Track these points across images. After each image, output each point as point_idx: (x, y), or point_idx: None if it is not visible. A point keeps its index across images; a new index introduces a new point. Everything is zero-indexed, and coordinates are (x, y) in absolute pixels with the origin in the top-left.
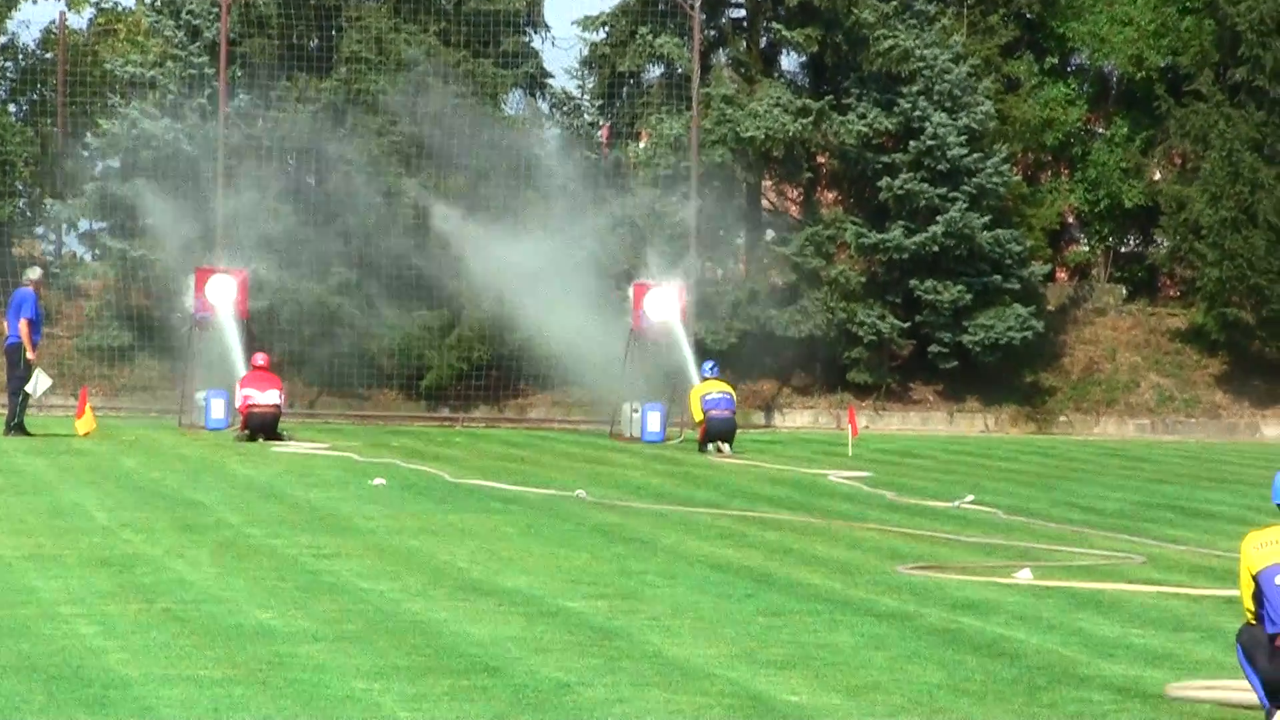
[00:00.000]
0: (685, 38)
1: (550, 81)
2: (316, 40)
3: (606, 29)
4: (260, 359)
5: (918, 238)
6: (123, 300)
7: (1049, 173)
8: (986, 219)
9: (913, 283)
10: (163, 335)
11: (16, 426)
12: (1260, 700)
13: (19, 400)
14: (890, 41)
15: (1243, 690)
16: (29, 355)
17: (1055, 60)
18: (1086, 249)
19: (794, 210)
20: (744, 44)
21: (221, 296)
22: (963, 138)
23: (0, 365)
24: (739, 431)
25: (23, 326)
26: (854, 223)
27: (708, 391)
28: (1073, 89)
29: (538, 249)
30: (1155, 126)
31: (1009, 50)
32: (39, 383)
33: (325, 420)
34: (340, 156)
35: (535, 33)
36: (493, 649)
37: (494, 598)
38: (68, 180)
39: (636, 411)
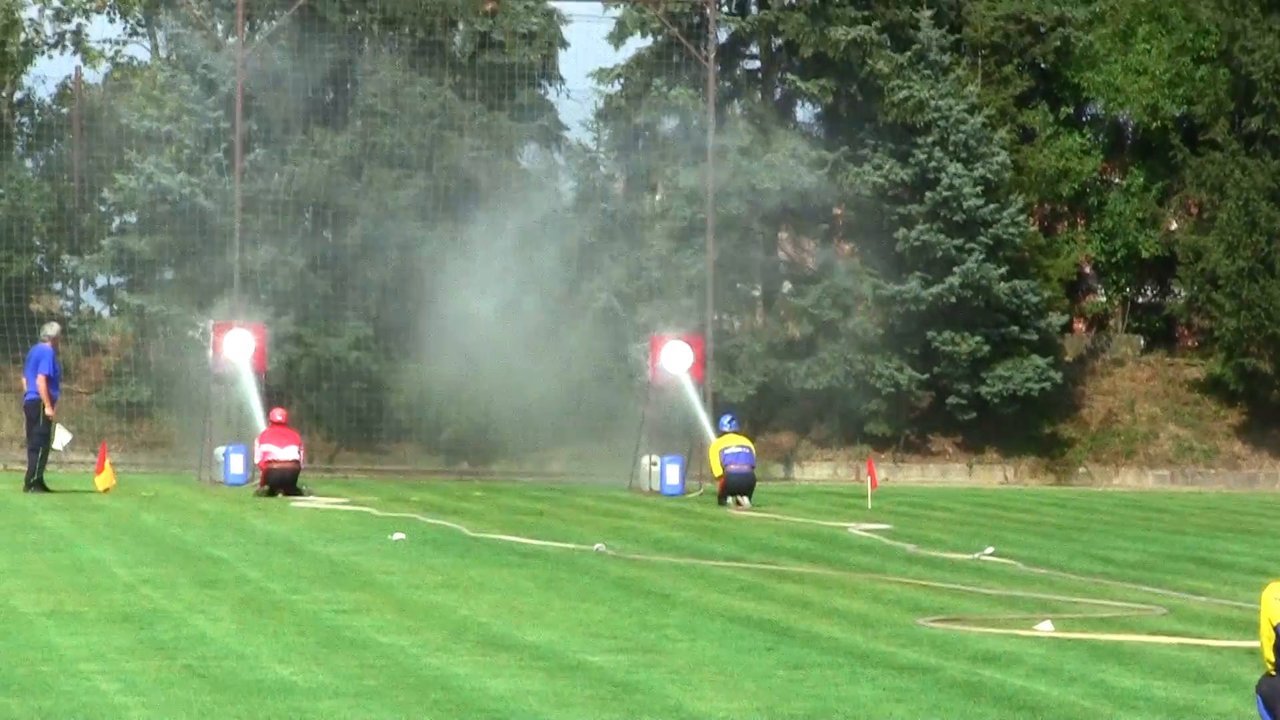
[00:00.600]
0: (700, 89)
1: (566, 134)
2: (332, 94)
3: (621, 81)
4: (278, 414)
5: (935, 289)
6: (141, 355)
7: (1065, 223)
8: (1003, 270)
9: (930, 334)
10: (181, 390)
11: (36, 483)
12: None
13: (38, 457)
14: (905, 92)
15: None
16: (47, 411)
17: (1070, 110)
18: (1104, 299)
19: (810, 262)
20: (759, 95)
21: (240, 351)
22: (979, 188)
23: (20, 422)
24: (758, 484)
25: (41, 383)
26: (871, 274)
27: (726, 446)
28: (1088, 139)
29: (554, 302)
30: (1171, 176)
31: (1024, 100)
32: (59, 438)
33: (344, 475)
34: (356, 210)
35: (550, 85)
36: (513, 703)
37: (514, 652)
38: (84, 236)
39: (655, 465)
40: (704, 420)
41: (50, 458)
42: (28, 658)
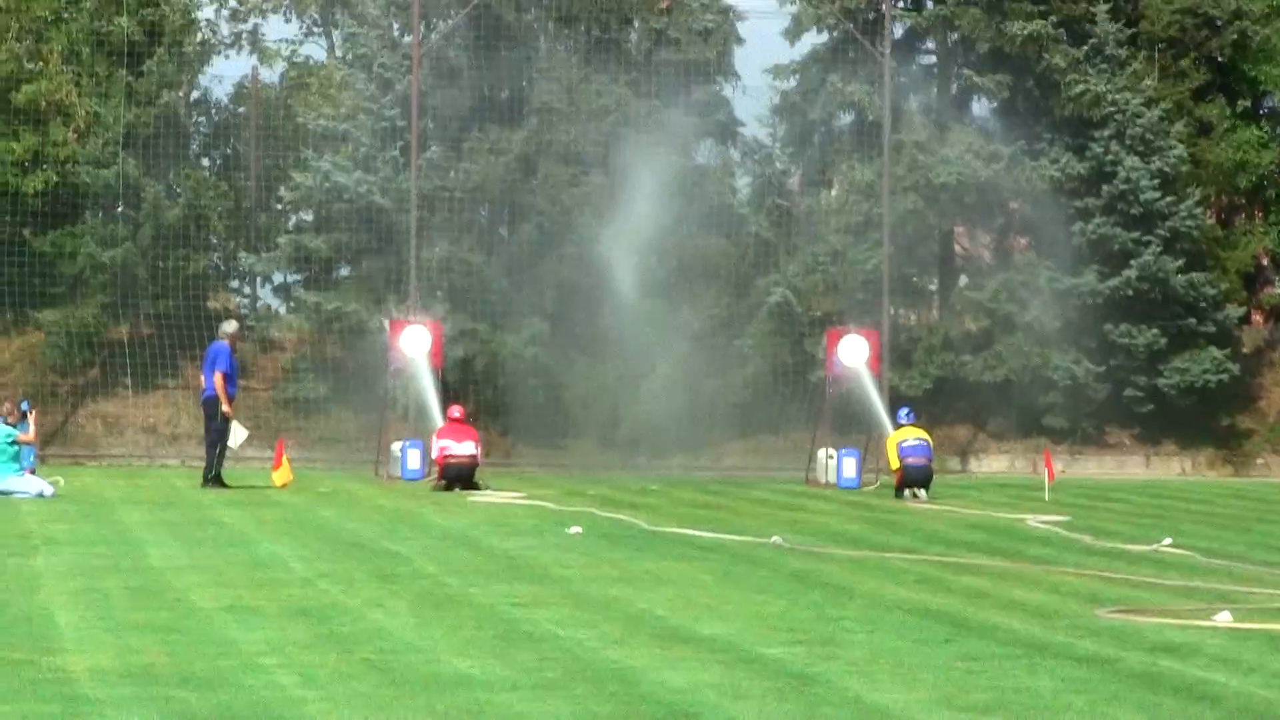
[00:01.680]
0: (876, 84)
1: (741, 130)
2: (507, 91)
3: (797, 77)
4: (456, 411)
5: (1111, 282)
6: (317, 352)
7: (1242, 215)
8: (1180, 262)
9: (1107, 327)
10: (358, 386)
11: (214, 479)
12: None
13: (216, 453)
14: (1081, 86)
15: None
16: (225, 408)
17: (1247, 103)
18: None
19: (987, 255)
20: (935, 90)
21: (417, 347)
22: (1155, 181)
23: (198, 419)
24: (935, 477)
25: (218, 379)
26: (1047, 267)
27: (904, 438)
28: (1265, 132)
29: (729, 297)
30: None
31: (1200, 94)
32: (236, 435)
33: (520, 470)
34: (532, 206)
35: (725, 81)
36: (691, 696)
37: (691, 645)
38: (261, 234)
39: (832, 458)
40: (882, 413)
41: (227, 455)
42: (206, 652)
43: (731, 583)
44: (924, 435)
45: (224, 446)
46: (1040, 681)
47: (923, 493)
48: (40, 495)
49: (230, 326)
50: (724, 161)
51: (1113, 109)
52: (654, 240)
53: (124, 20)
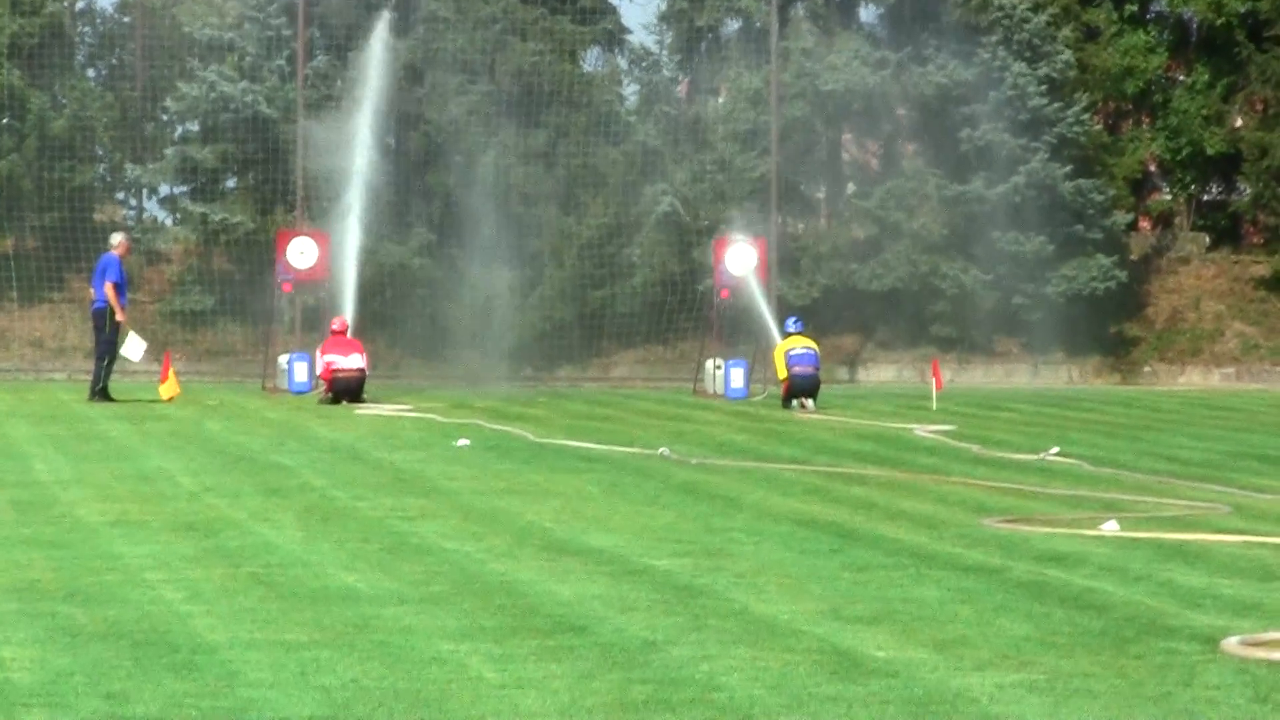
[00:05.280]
0: None
1: (628, 37)
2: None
3: None
4: (338, 323)
5: (999, 189)
6: (204, 265)
7: (1130, 121)
8: (1068, 169)
9: (994, 234)
10: (245, 299)
11: (100, 392)
12: None
13: (103, 365)
14: None
15: None
16: (118, 317)
17: (1135, 8)
18: (1169, 198)
19: (874, 164)
20: None
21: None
22: (1043, 87)
23: (84, 332)
24: (822, 387)
25: (109, 289)
26: (935, 174)
27: (792, 347)
28: (1153, 36)
29: (616, 206)
30: (1236, 73)
31: None
32: (133, 346)
33: (407, 381)
34: (419, 116)
35: None
36: (579, 608)
37: (579, 557)
38: (147, 145)
39: (719, 368)
40: (770, 321)
41: (115, 367)
42: (93, 567)
43: (619, 494)
44: (812, 344)
45: (113, 359)
46: (927, 591)
47: (810, 402)
48: None
49: (118, 238)
50: (611, 69)
51: (1000, 14)
52: (541, 149)
53: None
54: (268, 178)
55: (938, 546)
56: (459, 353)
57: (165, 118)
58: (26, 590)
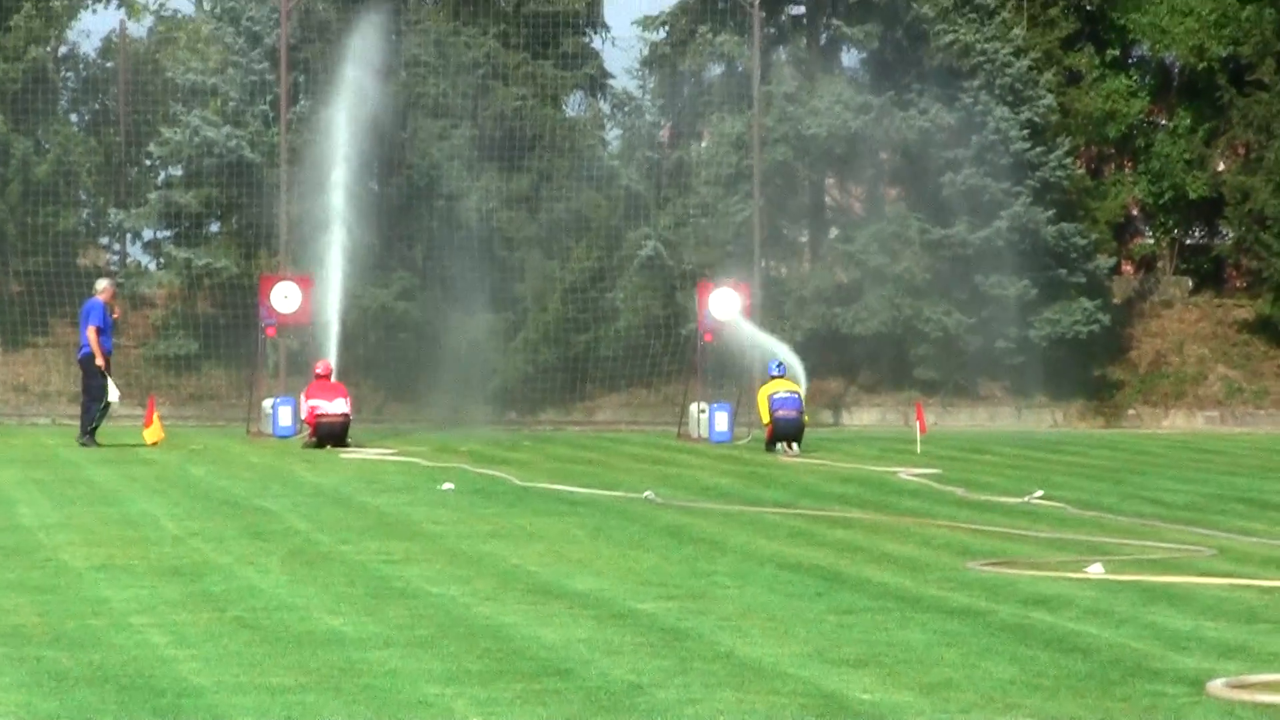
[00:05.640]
0: (745, 35)
1: (611, 82)
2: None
3: (666, 28)
4: (321, 367)
5: (982, 232)
6: (188, 309)
7: (1112, 165)
8: (1050, 213)
9: (978, 278)
10: (229, 343)
11: (90, 434)
12: None
13: (99, 408)
14: (951, 36)
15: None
16: (98, 361)
17: (1117, 52)
18: (1151, 241)
19: (857, 207)
20: (804, 41)
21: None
22: (1025, 131)
23: (68, 376)
24: (807, 430)
25: (91, 334)
26: (918, 219)
27: (775, 391)
28: (1134, 81)
29: (601, 250)
30: (1218, 117)
31: (1070, 43)
32: (109, 394)
33: (392, 425)
34: (402, 160)
35: (595, 33)
36: (564, 652)
37: (564, 600)
38: (131, 189)
39: (704, 412)
40: (773, 346)
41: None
42: (78, 611)
43: (603, 538)
44: (795, 388)
45: (107, 403)
46: (912, 635)
47: (795, 446)
48: None
49: (102, 283)
50: (594, 114)
51: (982, 59)
52: (524, 193)
53: None
54: (251, 222)
55: (923, 589)
56: (443, 396)
57: (149, 162)
58: (12, 635)
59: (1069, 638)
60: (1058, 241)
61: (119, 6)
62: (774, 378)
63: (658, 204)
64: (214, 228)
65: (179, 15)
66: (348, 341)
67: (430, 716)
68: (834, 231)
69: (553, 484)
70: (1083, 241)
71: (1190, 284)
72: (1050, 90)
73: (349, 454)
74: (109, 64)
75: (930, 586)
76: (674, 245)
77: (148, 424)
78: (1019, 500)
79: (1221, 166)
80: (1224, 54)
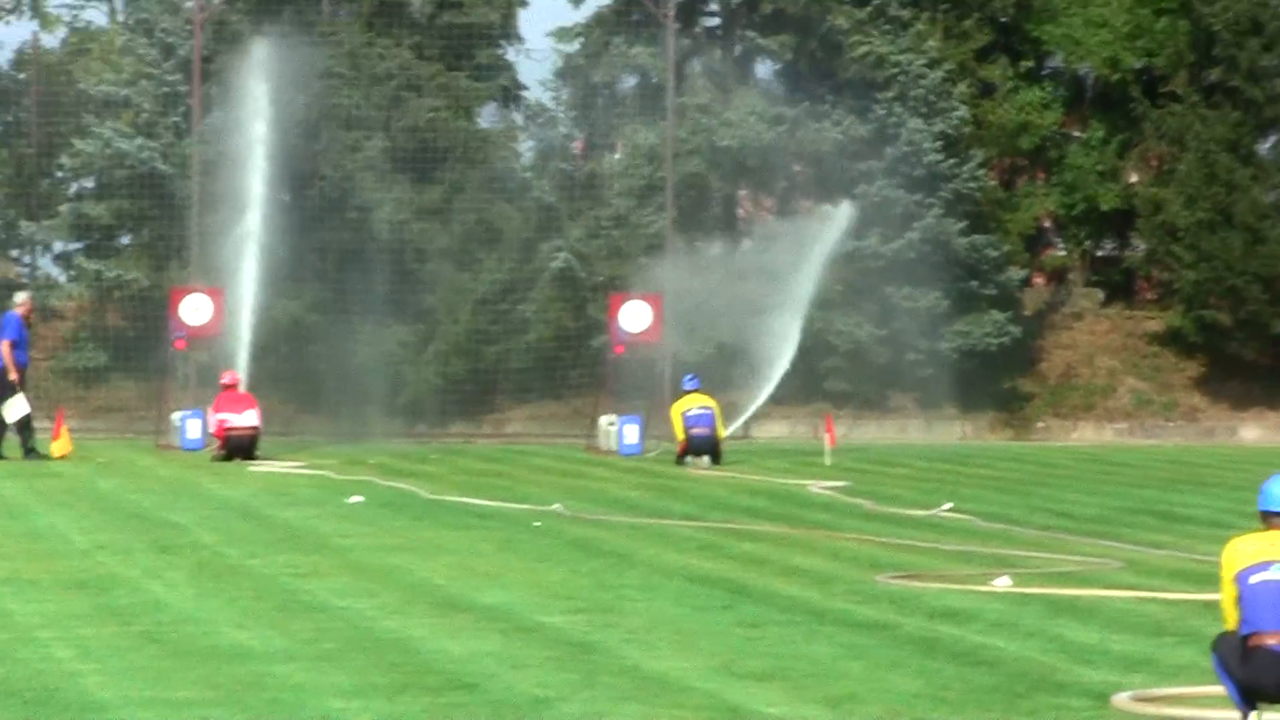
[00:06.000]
0: (659, 48)
1: (525, 94)
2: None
3: (580, 40)
4: (228, 377)
5: (894, 244)
6: (98, 321)
7: (1025, 177)
8: (963, 225)
9: (889, 290)
10: (139, 356)
11: (30, 450)
12: (1238, 705)
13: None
14: (865, 48)
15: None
16: (11, 375)
17: (1031, 64)
18: (1063, 253)
19: (770, 219)
20: (719, 53)
21: (200, 316)
22: (938, 143)
23: None
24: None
25: (4, 348)
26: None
27: (688, 408)
28: (1048, 92)
29: (512, 262)
30: (1131, 129)
31: (984, 54)
32: (15, 406)
33: (301, 438)
34: (314, 172)
35: (509, 45)
36: (470, 665)
37: (471, 614)
38: (42, 201)
39: (613, 424)
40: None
41: (9, 428)
42: None
43: (511, 551)
44: (709, 403)
45: (29, 415)
46: (819, 648)
47: (706, 459)
48: None
49: (20, 297)
50: (507, 125)
51: (896, 70)
52: (436, 205)
53: None
54: (162, 234)
55: (830, 603)
56: (353, 409)
57: (60, 174)
58: None
59: (975, 651)
60: (969, 253)
61: (32, 18)
62: (687, 392)
63: (570, 216)
64: (125, 240)
65: (92, 26)
66: (258, 354)
67: None
68: (746, 243)
69: (461, 497)
70: (994, 253)
71: (1101, 296)
72: (964, 102)
73: (258, 467)
74: (21, 75)
75: (838, 599)
76: (586, 257)
77: (55, 436)
78: (928, 513)
79: (1134, 178)
80: (1137, 66)
